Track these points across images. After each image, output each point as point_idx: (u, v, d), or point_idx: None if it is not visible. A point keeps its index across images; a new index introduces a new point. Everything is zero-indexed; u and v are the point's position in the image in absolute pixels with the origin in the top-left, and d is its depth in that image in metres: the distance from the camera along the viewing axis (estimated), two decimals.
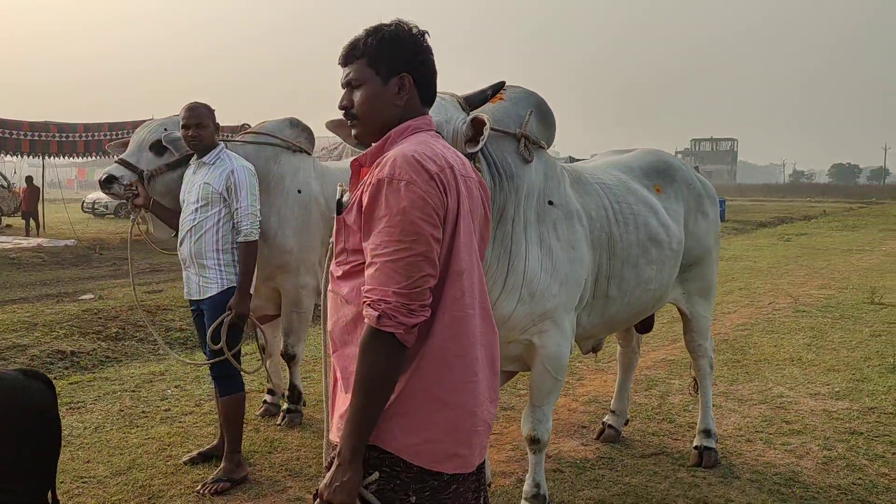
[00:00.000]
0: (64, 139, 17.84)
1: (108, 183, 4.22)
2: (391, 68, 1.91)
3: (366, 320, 1.75)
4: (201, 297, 4.06)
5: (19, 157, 17.94)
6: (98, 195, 29.93)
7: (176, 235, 4.61)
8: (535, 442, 3.42)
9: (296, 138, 4.88)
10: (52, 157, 18.63)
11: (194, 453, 4.32)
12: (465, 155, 2.31)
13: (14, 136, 16.87)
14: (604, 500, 3.79)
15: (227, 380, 4.06)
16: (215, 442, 4.37)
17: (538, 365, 3.33)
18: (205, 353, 4.29)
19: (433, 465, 1.86)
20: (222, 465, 4.01)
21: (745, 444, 4.54)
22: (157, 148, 4.32)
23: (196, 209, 4.01)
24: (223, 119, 4.46)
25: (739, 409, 5.17)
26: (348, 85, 1.96)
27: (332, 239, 1.98)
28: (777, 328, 7.98)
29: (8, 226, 22.71)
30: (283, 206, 4.70)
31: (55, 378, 5.88)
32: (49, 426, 2.80)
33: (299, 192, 4.77)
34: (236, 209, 3.99)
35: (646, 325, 4.38)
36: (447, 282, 1.82)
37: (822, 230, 23.93)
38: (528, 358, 3.36)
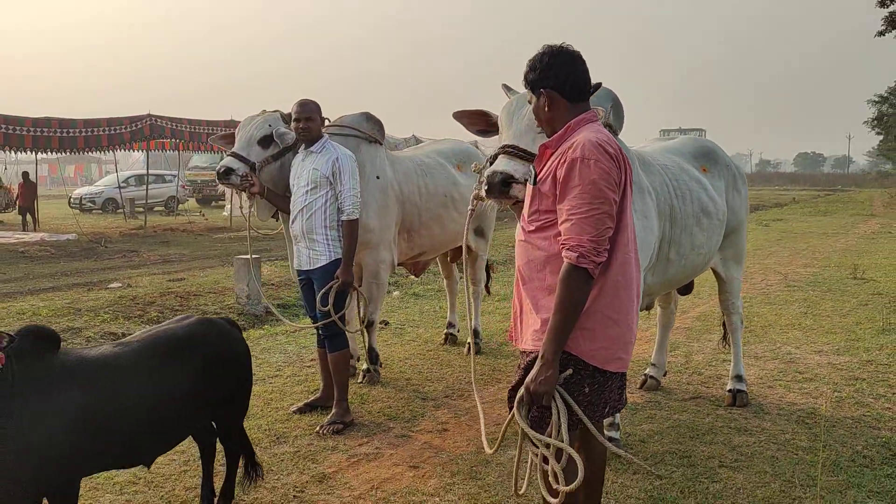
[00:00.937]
0: (64, 135, 18.14)
1: (225, 175, 4.81)
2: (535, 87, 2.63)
3: (566, 260, 2.45)
4: (311, 268, 4.71)
5: (21, 153, 18.15)
6: (86, 190, 30.13)
7: (274, 216, 5.27)
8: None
9: (371, 130, 5.53)
10: (53, 153, 18.87)
11: (301, 404, 4.98)
12: None
13: (17, 133, 17.14)
14: (661, 431, 4.53)
15: (335, 338, 4.72)
16: (318, 394, 5.03)
17: None
18: (310, 316, 4.96)
19: (603, 365, 2.58)
20: (333, 410, 4.68)
21: (767, 390, 5.31)
22: (265, 142, 4.95)
23: (306, 192, 4.66)
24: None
25: (756, 364, 5.95)
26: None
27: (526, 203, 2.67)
28: (773, 300, 8.82)
29: (0, 222, 22.87)
30: (365, 190, 5.34)
31: None
32: (247, 366, 3.45)
33: (378, 177, 5.42)
34: (340, 191, 4.63)
35: (687, 288, 5.13)
36: (618, 233, 2.52)
37: (796, 216, 25.08)
38: None
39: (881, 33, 38.95)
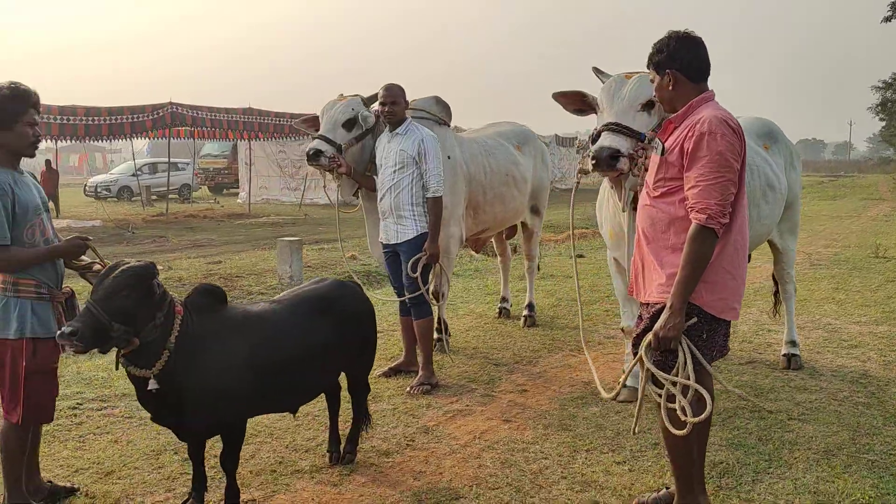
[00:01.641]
0: (90, 122, 18.41)
1: (315, 156, 5.13)
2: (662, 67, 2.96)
3: (694, 221, 2.78)
4: (398, 241, 5.05)
5: (49, 141, 18.43)
6: (102, 178, 30.40)
7: (356, 195, 5.61)
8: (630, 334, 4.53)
9: (440, 113, 5.85)
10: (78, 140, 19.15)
11: (386, 368, 5.33)
12: None
13: (45, 120, 17.41)
14: (724, 390, 4.88)
15: (421, 306, 5.07)
16: (401, 359, 5.39)
17: None
18: (394, 287, 5.32)
19: (720, 314, 2.93)
20: (421, 373, 5.04)
21: (816, 355, 5.68)
22: (349, 124, 5.27)
23: (394, 171, 4.99)
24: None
25: (801, 333, 6.29)
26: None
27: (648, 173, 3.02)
28: (802, 278, 9.16)
29: None
30: None
31: None
32: (375, 323, 3.81)
33: (448, 157, 5.74)
34: (425, 170, 4.97)
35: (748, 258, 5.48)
36: (738, 198, 2.86)
37: (806, 200, 25.35)
38: None
39: (887, 19, 39.19)
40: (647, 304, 3.05)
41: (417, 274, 4.93)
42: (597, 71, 4.15)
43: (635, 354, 3.09)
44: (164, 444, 4.05)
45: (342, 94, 5.50)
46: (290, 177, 27.62)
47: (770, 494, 3.39)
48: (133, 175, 26.96)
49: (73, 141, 19.26)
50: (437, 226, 5.00)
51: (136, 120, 19.56)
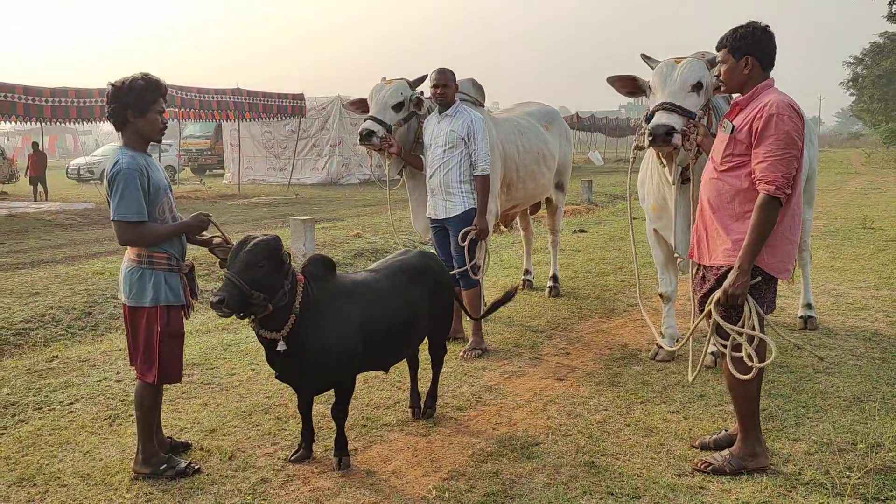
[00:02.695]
0: (82, 104, 18.35)
1: (367, 137, 5.44)
2: (742, 52, 3.33)
3: (762, 192, 3.17)
4: (447, 216, 5.40)
5: (43, 122, 18.35)
6: (84, 160, 30.20)
7: (400, 174, 5.94)
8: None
9: (476, 94, 6.18)
10: (46, 123, 18.98)
11: None
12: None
13: (37, 103, 17.33)
14: None
15: (468, 277, 5.43)
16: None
17: None
18: (442, 260, 5.66)
19: (777, 274, 3.35)
20: (472, 339, 5.42)
21: (827, 317, 6.15)
22: (398, 107, 5.58)
23: (444, 150, 5.33)
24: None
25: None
26: (720, 62, 3.38)
27: (714, 149, 3.40)
28: None
29: (3, 193, 22.92)
30: None
31: None
32: (454, 291, 4.17)
33: None
34: (474, 150, 5.30)
35: None
36: (797, 174, 3.26)
37: None
38: None
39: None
40: (712, 266, 3.44)
41: (466, 243, 5.27)
42: (645, 57, 4.51)
43: (701, 311, 3.50)
44: (252, 405, 4.39)
45: (385, 78, 5.80)
46: (277, 157, 27.71)
47: (813, 434, 3.83)
48: None
49: (38, 123, 19.03)
50: (485, 202, 5.35)
51: (81, 103, 18.99)
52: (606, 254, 9.64)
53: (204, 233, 3.67)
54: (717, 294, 3.32)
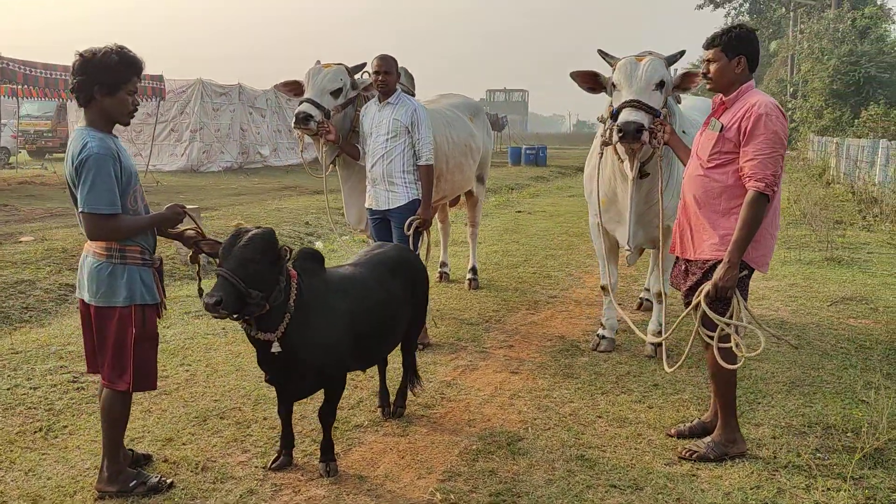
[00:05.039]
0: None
1: (305, 120, 5.15)
2: (735, 52, 3.44)
3: (752, 189, 3.29)
4: (389, 207, 5.23)
5: None
6: None
7: (333, 163, 5.70)
8: (661, 295, 5.13)
9: (408, 83, 6.04)
10: None
11: None
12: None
13: None
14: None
15: None
16: None
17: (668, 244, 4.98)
18: None
19: (759, 267, 3.50)
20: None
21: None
22: (336, 92, 5.34)
23: (387, 139, 5.16)
24: None
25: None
26: (708, 60, 3.47)
27: (702, 147, 3.49)
28: None
29: None
30: None
31: None
32: (423, 282, 4.03)
33: None
34: (418, 139, 5.18)
35: None
36: (780, 172, 3.42)
37: None
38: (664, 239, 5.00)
39: (700, 7, 43.02)
40: (698, 260, 3.55)
41: (411, 232, 5.12)
42: (602, 54, 4.57)
43: (687, 304, 3.60)
44: (203, 410, 4.06)
45: (320, 62, 5.54)
46: (131, 142, 25.93)
47: (770, 419, 4.06)
48: None
49: None
50: (429, 192, 5.24)
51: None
52: (506, 246, 9.79)
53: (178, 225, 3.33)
54: (707, 287, 3.42)
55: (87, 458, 3.48)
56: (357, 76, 5.56)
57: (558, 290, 7.20)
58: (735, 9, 45.88)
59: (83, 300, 3.08)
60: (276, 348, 3.03)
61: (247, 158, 25.81)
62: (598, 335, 5.37)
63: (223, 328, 5.66)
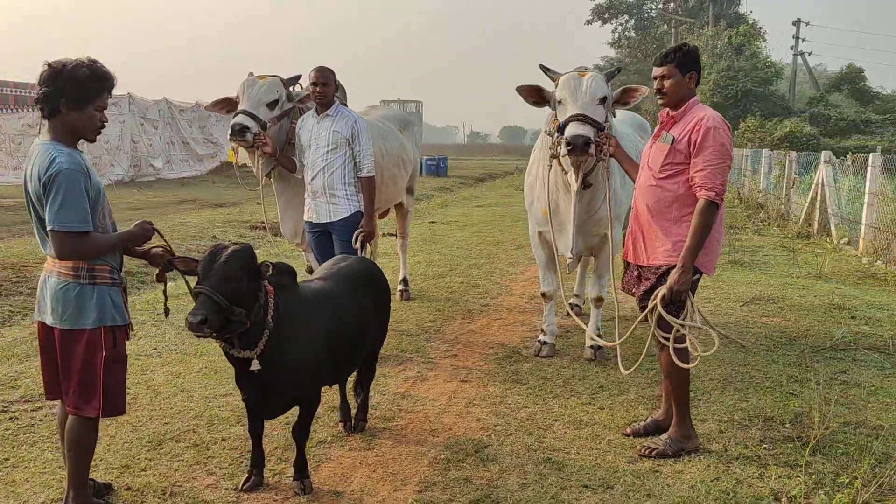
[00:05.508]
0: None
1: (241, 132, 5.06)
2: (688, 68, 3.66)
3: (703, 198, 3.50)
4: (331, 220, 5.19)
5: None
6: None
7: (268, 175, 5.61)
8: (600, 300, 5.33)
9: (340, 94, 6.01)
10: None
11: None
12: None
13: None
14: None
15: None
16: None
17: (606, 251, 5.20)
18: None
19: (708, 271, 3.73)
20: None
21: None
22: (272, 104, 5.27)
23: (327, 151, 5.13)
24: None
25: None
26: (662, 77, 3.67)
27: (654, 159, 3.68)
28: None
29: None
30: None
31: None
32: (388, 293, 4.03)
33: None
34: (359, 151, 5.17)
35: None
36: (726, 181, 3.65)
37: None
38: (601, 246, 5.22)
39: (588, 22, 44.77)
40: (651, 266, 3.74)
41: (358, 245, 5.11)
42: (544, 69, 4.73)
43: (643, 309, 3.78)
44: (155, 434, 3.91)
45: (253, 73, 5.45)
46: (10, 154, 24.38)
47: (713, 413, 4.30)
48: None
49: None
50: (372, 204, 5.24)
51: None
52: (429, 257, 9.87)
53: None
54: (663, 290, 3.61)
55: (39, 491, 3.28)
56: (291, 88, 5.51)
57: (488, 299, 7.33)
58: (622, 24, 48.10)
59: (43, 323, 2.92)
60: (255, 366, 2.96)
61: (139, 171, 24.74)
62: (539, 341, 5.52)
63: (155, 348, 5.45)
